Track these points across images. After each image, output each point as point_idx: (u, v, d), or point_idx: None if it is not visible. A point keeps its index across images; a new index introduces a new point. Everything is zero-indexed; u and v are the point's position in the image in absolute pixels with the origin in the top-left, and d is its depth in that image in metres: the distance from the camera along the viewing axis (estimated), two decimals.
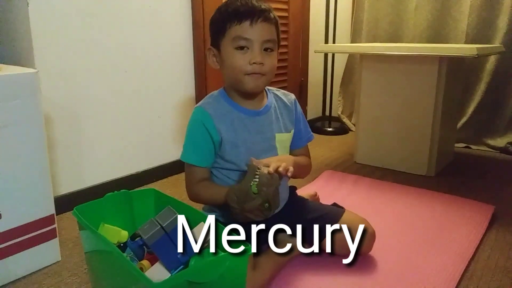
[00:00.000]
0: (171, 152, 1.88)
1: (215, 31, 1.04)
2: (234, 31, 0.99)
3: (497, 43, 2.21)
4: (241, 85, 1.03)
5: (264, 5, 1.02)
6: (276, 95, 1.16)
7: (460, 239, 1.29)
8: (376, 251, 1.18)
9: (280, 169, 0.95)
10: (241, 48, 0.99)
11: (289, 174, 0.97)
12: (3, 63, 1.17)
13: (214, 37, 1.05)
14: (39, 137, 1.10)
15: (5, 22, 1.40)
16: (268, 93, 1.15)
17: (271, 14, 1.02)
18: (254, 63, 0.99)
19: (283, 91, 1.20)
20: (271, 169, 0.94)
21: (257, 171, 0.93)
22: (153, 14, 1.71)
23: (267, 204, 0.92)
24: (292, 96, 1.20)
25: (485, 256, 1.21)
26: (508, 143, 2.25)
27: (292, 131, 1.16)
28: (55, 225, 1.17)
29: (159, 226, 0.77)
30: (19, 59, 1.38)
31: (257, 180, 0.91)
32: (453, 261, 1.16)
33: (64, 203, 1.46)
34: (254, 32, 0.98)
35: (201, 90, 1.92)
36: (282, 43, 2.42)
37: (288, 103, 1.17)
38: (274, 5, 2.29)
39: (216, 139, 1.04)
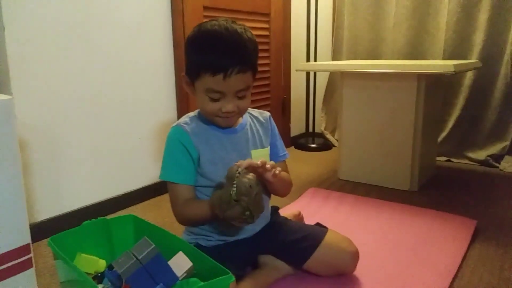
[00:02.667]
0: (153, 174, 1.86)
1: (189, 66, 1.03)
2: (207, 82, 0.97)
3: (474, 59, 2.26)
4: (213, 122, 1.06)
5: (239, 47, 0.97)
6: (251, 114, 1.17)
7: (443, 255, 1.29)
8: (360, 270, 1.17)
9: (267, 166, 0.95)
10: (214, 99, 0.99)
11: (276, 171, 0.97)
12: None
13: (187, 69, 1.04)
14: (14, 165, 1.06)
15: None
16: None
17: (247, 59, 0.98)
18: (225, 112, 1.00)
19: (258, 110, 1.21)
20: (259, 162, 0.95)
21: (235, 179, 0.91)
22: (133, 35, 1.70)
23: (248, 212, 0.90)
24: (267, 114, 1.21)
25: (469, 272, 1.21)
26: (488, 155, 2.28)
27: (269, 147, 1.16)
28: (31, 255, 1.13)
29: (135, 259, 0.75)
30: None
31: (235, 189, 0.89)
32: (438, 278, 1.15)
33: (42, 230, 1.42)
34: (227, 86, 0.96)
35: (182, 111, 1.91)
36: (264, 61, 2.44)
37: (263, 121, 1.18)
38: (255, 24, 2.32)
39: (194, 156, 1.04)
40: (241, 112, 1.05)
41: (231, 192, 0.89)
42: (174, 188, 1.05)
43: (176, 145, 1.04)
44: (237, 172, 0.92)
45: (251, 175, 0.92)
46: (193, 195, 1.07)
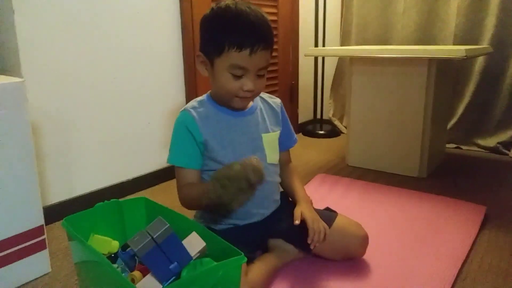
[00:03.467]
0: (161, 159, 1.87)
1: (209, 44, 1.00)
2: (232, 58, 0.96)
3: (485, 44, 2.23)
4: (229, 103, 1.04)
5: (263, 24, 0.98)
6: (261, 98, 1.17)
7: (453, 241, 1.29)
8: (369, 255, 1.18)
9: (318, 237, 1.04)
10: (236, 75, 0.98)
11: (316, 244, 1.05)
12: None
13: (206, 47, 1.02)
14: (27, 147, 1.08)
15: None
16: None
17: (270, 37, 0.99)
18: (246, 90, 0.99)
19: (268, 94, 1.21)
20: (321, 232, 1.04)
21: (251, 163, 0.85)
22: (142, 20, 1.70)
23: (227, 181, 0.83)
24: (278, 100, 1.21)
25: (478, 258, 1.21)
26: (498, 143, 2.27)
27: (278, 132, 1.16)
28: (45, 236, 1.15)
29: (150, 237, 0.76)
30: (5, 68, 1.36)
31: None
32: (447, 264, 1.16)
33: (54, 212, 1.44)
34: (252, 62, 0.96)
35: (191, 96, 1.91)
36: None
37: (274, 106, 1.18)
38: (263, 9, 2.29)
39: (199, 140, 1.04)
40: (258, 92, 1.05)
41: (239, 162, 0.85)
42: (180, 172, 1.06)
43: (182, 130, 1.05)
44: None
45: (262, 173, 0.86)
46: (198, 179, 1.07)
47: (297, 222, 1.05)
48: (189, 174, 1.05)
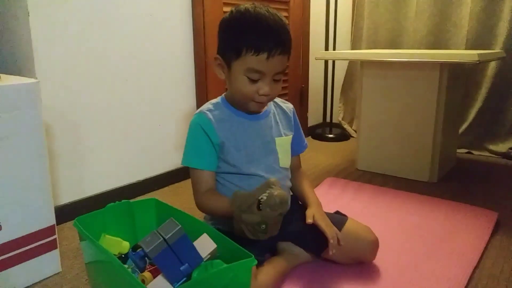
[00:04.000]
0: (172, 160, 1.88)
1: (227, 47, 1.01)
2: (249, 62, 0.96)
3: (497, 49, 2.21)
4: (244, 106, 1.05)
5: (282, 29, 0.98)
6: (274, 102, 1.18)
7: (464, 246, 1.27)
8: (379, 259, 1.17)
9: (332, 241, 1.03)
10: (252, 79, 0.99)
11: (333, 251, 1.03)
12: (4, 73, 1.16)
13: (224, 50, 1.02)
14: (40, 148, 1.09)
15: (5, 31, 1.40)
16: None
17: (288, 42, 0.99)
18: (262, 94, 1.00)
19: (280, 99, 1.21)
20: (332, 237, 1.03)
21: (269, 189, 0.88)
22: (154, 23, 1.71)
23: (263, 226, 0.86)
24: (291, 105, 1.22)
25: (490, 264, 1.20)
26: (510, 148, 2.24)
27: (291, 136, 1.17)
28: (56, 236, 1.16)
29: (162, 238, 0.76)
30: (19, 69, 1.38)
31: (265, 197, 0.86)
32: (458, 269, 1.15)
33: (65, 213, 1.45)
34: (269, 66, 0.97)
35: (201, 98, 1.92)
36: None
37: (287, 111, 1.19)
38: None
39: (216, 142, 1.04)
40: (274, 96, 1.05)
41: (260, 198, 0.86)
42: (196, 173, 1.06)
43: (198, 132, 1.05)
44: (272, 185, 0.89)
45: (285, 194, 0.89)
46: (214, 181, 1.08)
47: (309, 220, 1.05)
48: (205, 176, 1.06)
